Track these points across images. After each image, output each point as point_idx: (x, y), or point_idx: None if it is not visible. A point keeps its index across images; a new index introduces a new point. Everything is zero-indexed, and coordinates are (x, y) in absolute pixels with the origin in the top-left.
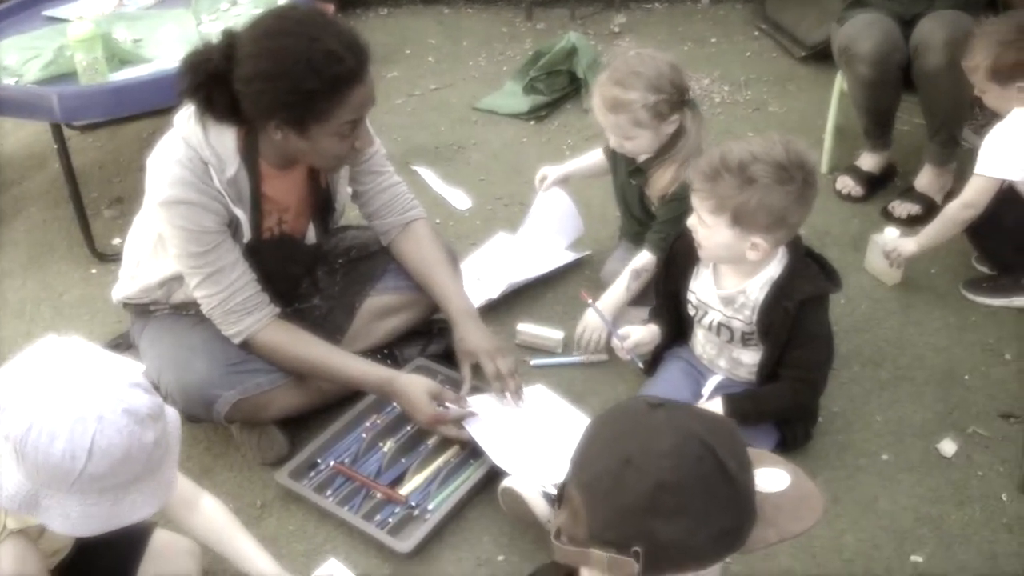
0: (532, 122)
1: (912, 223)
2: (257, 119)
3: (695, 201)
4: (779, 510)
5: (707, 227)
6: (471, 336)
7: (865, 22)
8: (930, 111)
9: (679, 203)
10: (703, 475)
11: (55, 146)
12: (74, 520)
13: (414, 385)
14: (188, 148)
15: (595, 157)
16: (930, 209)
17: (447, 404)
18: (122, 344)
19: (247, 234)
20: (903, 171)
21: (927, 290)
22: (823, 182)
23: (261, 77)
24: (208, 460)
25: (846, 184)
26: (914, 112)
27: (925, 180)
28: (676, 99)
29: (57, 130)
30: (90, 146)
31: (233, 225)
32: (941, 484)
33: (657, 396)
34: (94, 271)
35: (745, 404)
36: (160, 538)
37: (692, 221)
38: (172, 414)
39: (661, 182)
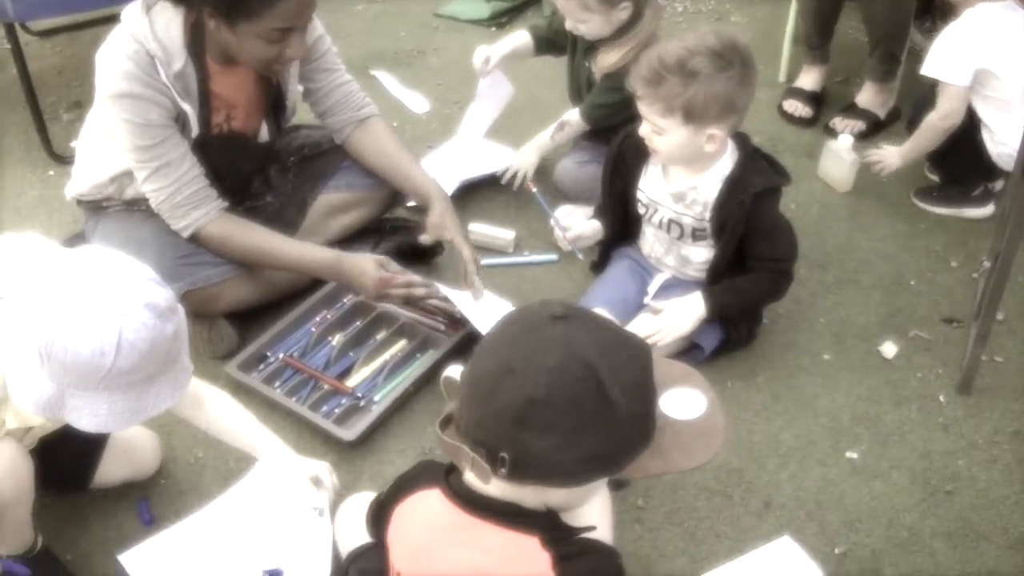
0: (493, 28)
1: (858, 139)
2: (192, 1)
3: (643, 109)
4: (676, 440)
5: (661, 132)
6: (450, 216)
7: None
8: (871, 24)
9: (617, 79)
10: (578, 397)
11: (8, 46)
12: (103, 417)
13: (359, 258)
14: (135, 42)
15: (522, 38)
16: (874, 126)
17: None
18: (78, 242)
19: (195, 129)
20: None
21: (878, 197)
22: (777, 92)
23: None
24: None
25: (795, 107)
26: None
27: (867, 96)
28: None
29: (11, 31)
30: (49, 51)
31: (181, 120)
32: (880, 384)
33: (567, 305)
34: (51, 172)
35: (726, 297)
36: (118, 434)
37: (644, 130)
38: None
39: (607, 60)
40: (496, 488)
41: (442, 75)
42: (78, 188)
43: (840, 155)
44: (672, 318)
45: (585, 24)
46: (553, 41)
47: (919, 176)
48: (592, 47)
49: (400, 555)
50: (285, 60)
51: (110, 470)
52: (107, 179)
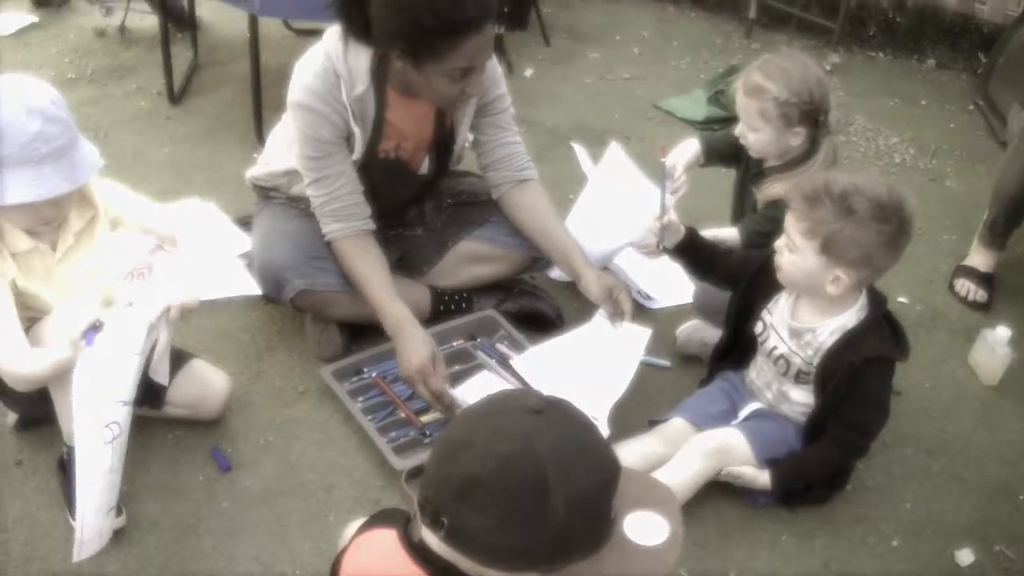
0: (704, 133)
1: None
2: (382, 44)
3: (789, 221)
4: (620, 561)
5: (794, 250)
6: (602, 277)
7: None
8: None
9: (779, 210)
10: (519, 491)
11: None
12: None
13: (421, 339)
14: (327, 59)
15: (692, 147)
16: None
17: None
18: (248, 223)
19: (358, 151)
20: None
21: (1021, 401)
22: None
23: (391, 6)
24: (275, 340)
25: (967, 288)
26: None
27: None
28: (808, 110)
29: (253, 22)
30: (300, 49)
31: (351, 140)
32: None
33: (551, 401)
34: (255, 156)
35: (793, 475)
36: (198, 363)
37: (780, 243)
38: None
39: (773, 189)
40: (439, 546)
41: (637, 162)
42: (256, 172)
43: (993, 347)
44: (740, 479)
45: (755, 135)
46: (723, 153)
47: None
48: (763, 174)
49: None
50: (465, 97)
51: (184, 390)
52: (281, 171)
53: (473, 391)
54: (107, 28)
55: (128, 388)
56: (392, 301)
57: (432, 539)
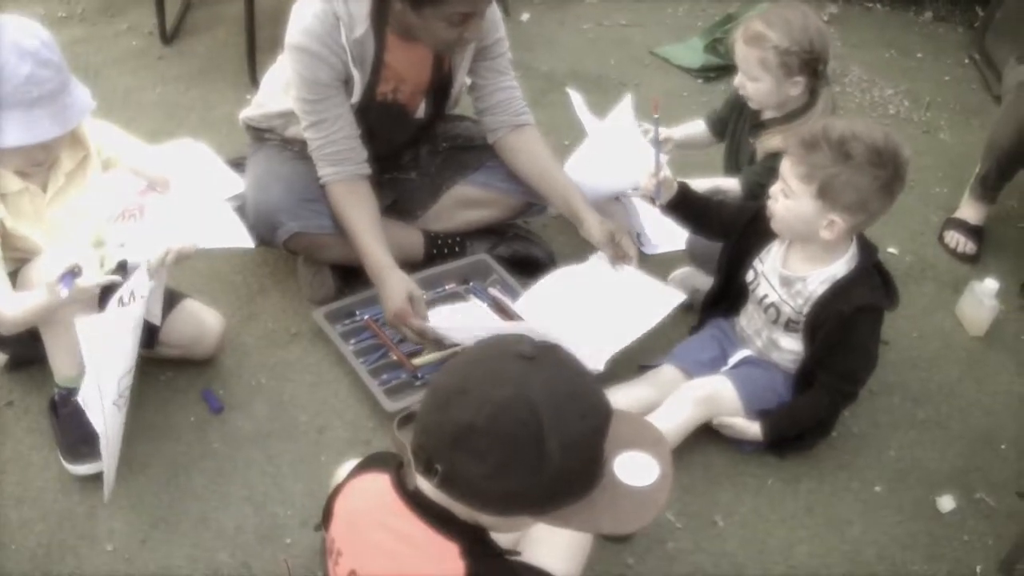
0: (700, 80)
1: None
2: None
3: (786, 167)
4: (612, 503)
5: (790, 194)
6: (604, 222)
7: None
8: None
9: (779, 161)
10: (514, 437)
11: None
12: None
13: (399, 281)
14: (326, 1)
15: (698, 127)
16: None
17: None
18: (241, 164)
19: (356, 94)
20: None
21: (1008, 352)
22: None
23: None
24: (268, 282)
25: (956, 240)
26: None
27: None
28: (808, 59)
29: None
30: None
31: (349, 83)
32: (921, 534)
33: (542, 346)
34: (248, 97)
35: (785, 425)
36: (191, 303)
37: (776, 188)
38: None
39: (773, 142)
40: (432, 492)
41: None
42: (250, 113)
43: (981, 299)
44: (730, 429)
45: (754, 84)
46: (725, 117)
47: None
48: (761, 125)
49: (337, 521)
50: (463, 42)
51: (177, 330)
52: (276, 112)
53: (449, 315)
54: None
55: (133, 353)
56: (374, 247)
57: (426, 485)
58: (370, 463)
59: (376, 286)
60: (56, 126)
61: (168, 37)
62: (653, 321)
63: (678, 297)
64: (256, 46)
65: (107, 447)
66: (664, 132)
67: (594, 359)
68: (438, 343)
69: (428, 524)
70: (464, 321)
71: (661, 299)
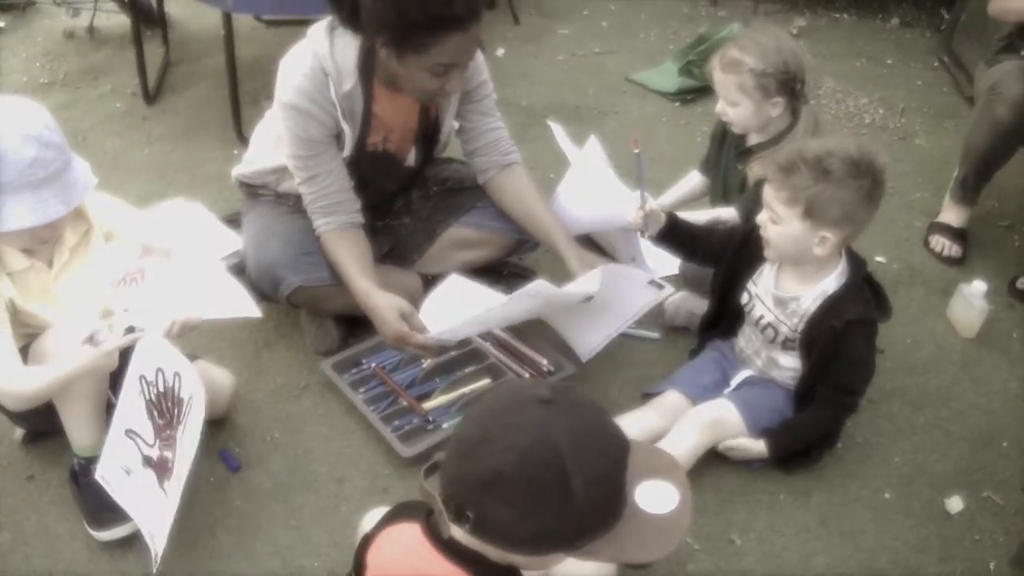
0: (677, 104)
1: None
2: (369, 32)
3: (768, 194)
4: (637, 532)
5: (778, 221)
6: (584, 257)
7: (1019, 68)
8: None
9: None
10: (540, 480)
11: (223, 32)
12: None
13: (386, 302)
14: (314, 59)
15: (695, 179)
16: None
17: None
18: (236, 221)
19: (348, 147)
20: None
21: (1000, 351)
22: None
23: None
24: (272, 336)
25: (942, 244)
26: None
27: None
28: (785, 79)
29: (227, 19)
30: (271, 40)
31: (340, 137)
32: (932, 536)
33: (557, 388)
34: (236, 152)
35: (786, 439)
36: (201, 364)
37: (763, 217)
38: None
39: (761, 168)
40: (465, 537)
41: (615, 138)
42: (243, 170)
43: (970, 301)
44: (737, 451)
45: (735, 109)
46: (713, 154)
47: None
48: (748, 151)
49: (372, 572)
50: (444, 93)
51: None
52: (269, 169)
53: (442, 297)
54: (76, 29)
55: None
56: (358, 280)
57: (459, 532)
58: (398, 513)
59: (369, 315)
60: (62, 205)
61: (151, 96)
62: (638, 313)
63: (664, 292)
64: (239, 100)
65: (140, 513)
66: (651, 203)
67: (581, 351)
68: (441, 351)
69: (463, 569)
70: (463, 314)
71: (643, 293)
